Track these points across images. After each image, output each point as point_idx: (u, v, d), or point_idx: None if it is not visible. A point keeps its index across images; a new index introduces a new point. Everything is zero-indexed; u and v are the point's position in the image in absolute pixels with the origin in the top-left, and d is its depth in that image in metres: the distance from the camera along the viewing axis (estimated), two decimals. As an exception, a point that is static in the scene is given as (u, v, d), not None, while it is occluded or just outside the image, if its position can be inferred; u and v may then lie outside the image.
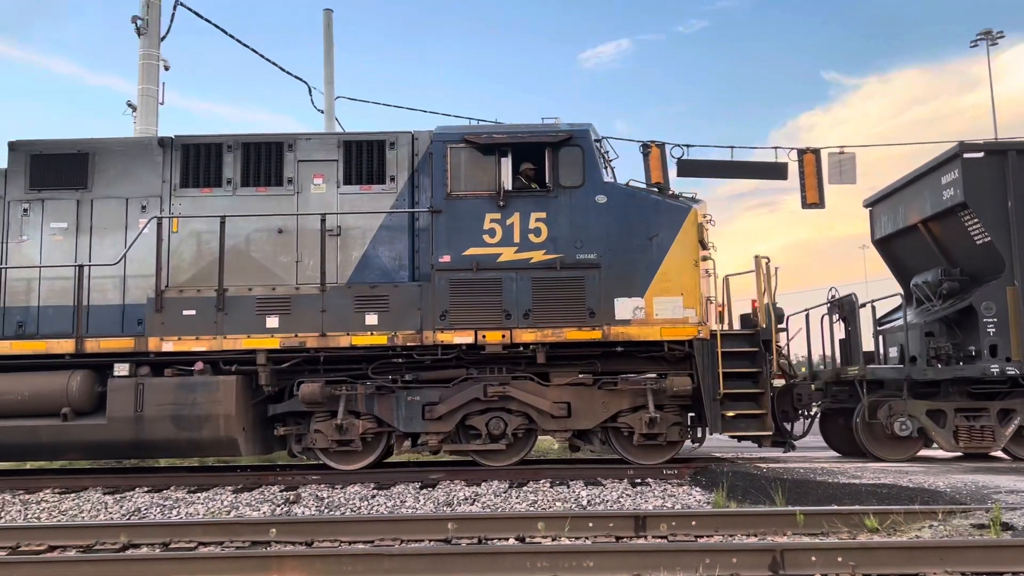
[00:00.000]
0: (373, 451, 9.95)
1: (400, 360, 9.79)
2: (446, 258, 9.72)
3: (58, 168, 10.27)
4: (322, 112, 19.33)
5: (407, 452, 10.35)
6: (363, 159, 10.15)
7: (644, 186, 10.54)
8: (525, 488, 8.64)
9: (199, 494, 8.73)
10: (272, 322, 9.71)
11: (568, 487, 8.69)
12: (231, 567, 5.01)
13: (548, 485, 8.83)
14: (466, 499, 8.17)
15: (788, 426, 10.42)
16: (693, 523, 6.27)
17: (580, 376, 9.83)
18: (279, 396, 9.99)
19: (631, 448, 9.90)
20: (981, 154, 9.91)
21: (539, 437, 10.25)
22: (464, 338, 9.60)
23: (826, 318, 11.12)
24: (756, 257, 10.30)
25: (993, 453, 10.05)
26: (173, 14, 14.98)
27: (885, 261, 12.07)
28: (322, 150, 10.22)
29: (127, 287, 9.99)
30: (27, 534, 6.34)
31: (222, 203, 10.08)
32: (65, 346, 9.70)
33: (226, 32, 17.30)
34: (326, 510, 8.03)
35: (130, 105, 15.12)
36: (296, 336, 9.66)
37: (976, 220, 9.79)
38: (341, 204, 10.06)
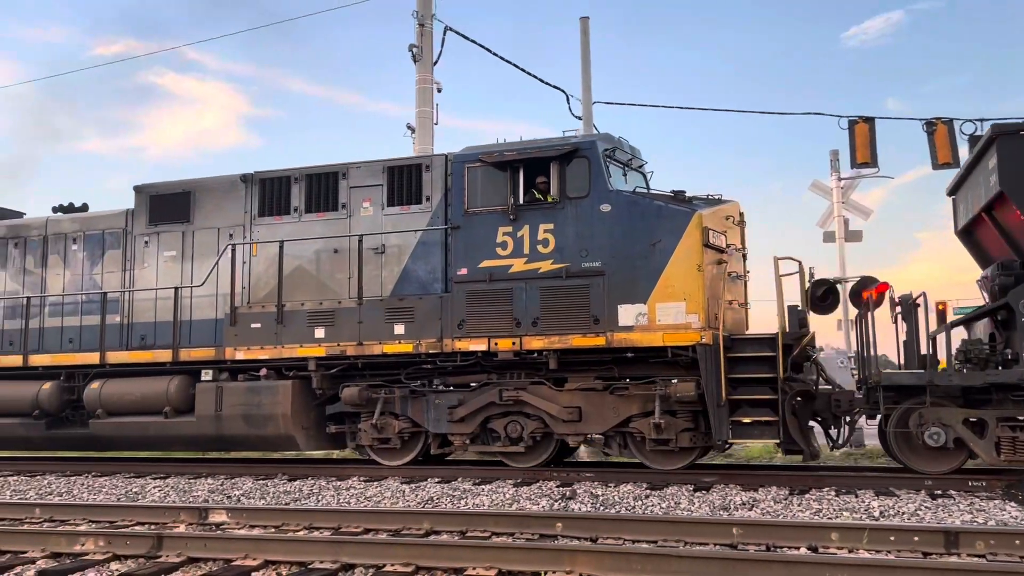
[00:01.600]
0: (412, 449, 10.89)
1: (428, 366, 10.64)
2: (463, 271, 10.43)
3: (169, 206, 12.29)
4: (580, 119, 19.16)
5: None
6: (403, 182, 11.11)
7: (655, 192, 10.50)
8: (807, 496, 8.25)
9: (483, 486, 9.10)
10: (319, 333, 10.99)
11: (856, 496, 8.15)
12: (525, 558, 5.13)
13: (833, 493, 8.36)
14: (743, 504, 7.90)
15: (832, 433, 9.98)
16: (1017, 542, 5.55)
17: (594, 381, 10.09)
18: (336, 398, 11.23)
19: (648, 453, 9.99)
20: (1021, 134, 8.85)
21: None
22: (479, 345, 10.26)
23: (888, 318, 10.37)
24: (775, 259, 9.95)
25: None
26: (443, 39, 15.96)
27: (972, 256, 10.96)
28: (370, 176, 11.32)
29: (217, 304, 11.72)
30: (347, 517, 6.92)
31: (289, 229, 11.51)
32: (165, 355, 11.65)
33: (489, 50, 17.69)
34: (601, 507, 8.07)
35: (409, 127, 16.27)
36: (338, 345, 10.85)
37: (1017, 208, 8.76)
38: (385, 224, 11.09)
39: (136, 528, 6.91)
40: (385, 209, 11.15)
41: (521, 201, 10.32)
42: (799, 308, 9.93)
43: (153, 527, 6.96)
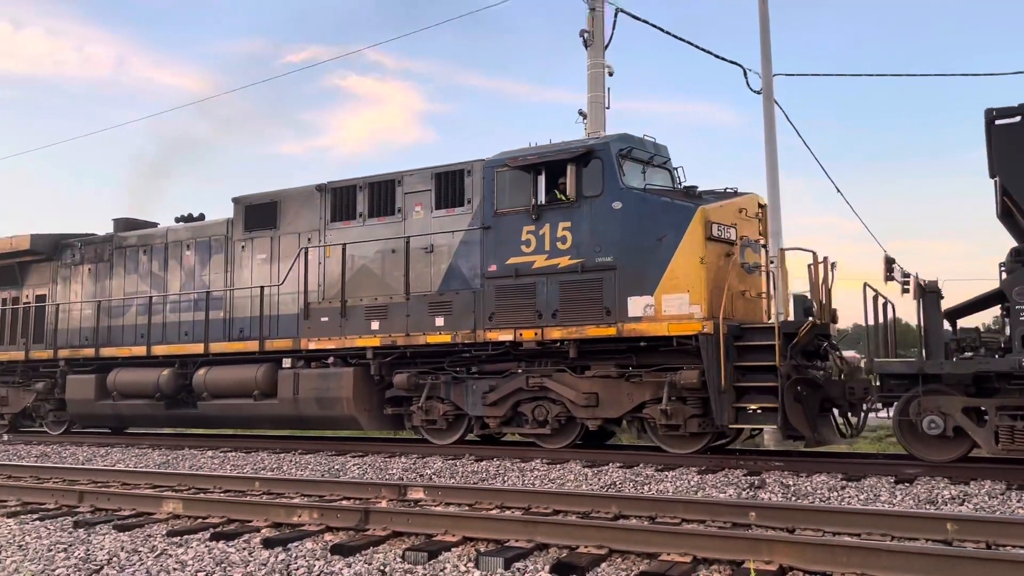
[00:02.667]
0: (457, 430, 11.94)
1: (466, 355, 11.65)
2: (493, 267, 11.34)
3: (260, 214, 13.97)
4: (758, 93, 18.14)
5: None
6: (448, 186, 12.14)
7: (666, 188, 10.92)
8: (1026, 491, 7.59)
9: (666, 472, 8.99)
10: (375, 325, 12.26)
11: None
12: (721, 546, 4.95)
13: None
14: (953, 498, 7.38)
15: (846, 419, 10.14)
16: None
17: (611, 369, 10.72)
18: (392, 384, 12.44)
19: (662, 438, 10.53)
20: (1017, 118, 8.61)
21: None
22: (507, 336, 11.15)
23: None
24: (780, 250, 10.15)
25: None
26: (614, 22, 15.97)
27: (1015, 239, 10.58)
28: (421, 183, 12.44)
29: (298, 301, 13.26)
30: (537, 498, 6.96)
31: (355, 232, 12.85)
32: (254, 346, 13.34)
33: (661, 29, 17.34)
34: (793, 497, 7.75)
35: (581, 113, 16.38)
36: (390, 336, 12.07)
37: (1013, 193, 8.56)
38: (433, 226, 12.17)
39: (343, 503, 7.18)
40: (433, 212, 12.22)
41: (543, 201, 11.08)
42: (806, 297, 10.10)
43: (358, 502, 7.26)
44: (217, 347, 13.79)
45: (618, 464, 9.51)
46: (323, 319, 12.73)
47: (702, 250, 10.06)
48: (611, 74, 16.03)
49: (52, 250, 16.56)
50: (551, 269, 10.93)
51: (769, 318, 10.95)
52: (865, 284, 9.75)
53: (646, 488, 8.30)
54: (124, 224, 16.39)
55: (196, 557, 5.35)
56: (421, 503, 7.22)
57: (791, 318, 10.44)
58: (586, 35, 15.80)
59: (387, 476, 9.57)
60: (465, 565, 4.98)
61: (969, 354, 9.08)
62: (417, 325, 11.88)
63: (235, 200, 14.30)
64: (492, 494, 7.22)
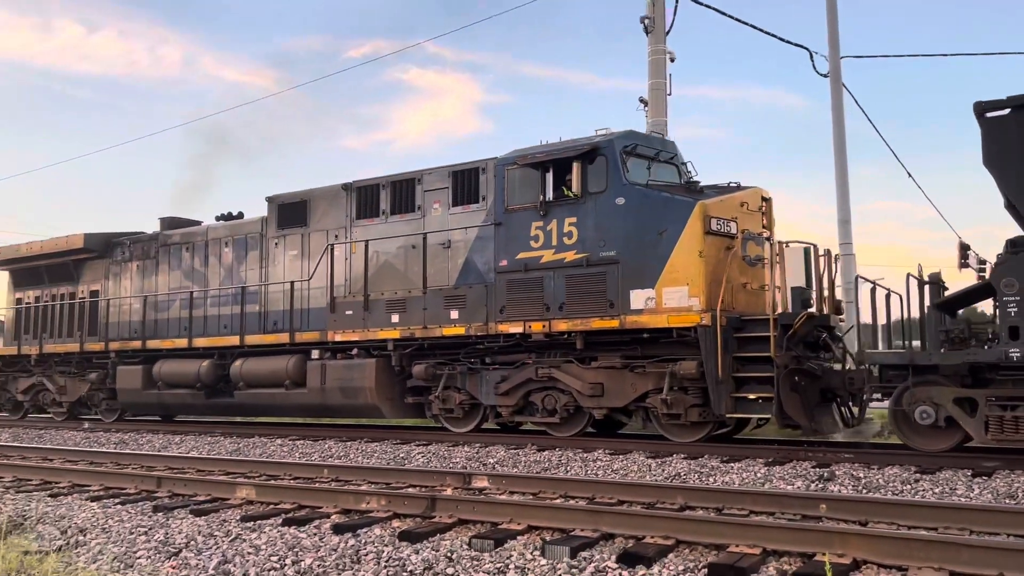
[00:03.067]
0: (474, 419, 12.41)
1: (480, 347, 12.10)
2: (504, 262, 11.76)
3: (291, 212, 14.64)
4: (825, 76, 17.57)
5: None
6: (464, 184, 12.58)
7: (668, 183, 11.17)
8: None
9: (732, 464, 8.91)
10: (395, 318, 12.80)
11: None
12: (792, 538, 4.86)
13: None
14: None
15: (848, 409, 10.30)
16: None
17: (616, 360, 11.05)
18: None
19: (666, 427, 10.82)
20: (1006, 110, 8.65)
21: None
22: (516, 328, 11.56)
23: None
24: (779, 243, 10.33)
25: None
26: (676, 7, 15.76)
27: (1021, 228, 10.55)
28: (439, 181, 12.91)
29: (326, 295, 13.88)
30: (601, 488, 6.95)
31: (378, 229, 13.41)
32: (285, 338, 14.01)
33: (724, 13, 16.98)
34: (864, 490, 7.53)
35: (642, 101, 16.21)
36: (409, 328, 12.59)
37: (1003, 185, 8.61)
38: (450, 222, 12.63)
39: (409, 490, 7.26)
40: (451, 209, 12.68)
41: (550, 197, 11.45)
42: (804, 289, 10.28)
43: (424, 489, 7.35)
44: (252, 339, 14.51)
45: (683, 455, 9.52)
46: (348, 312, 13.32)
47: (701, 244, 10.31)
48: (672, 60, 15.94)
49: (104, 248, 17.54)
50: (558, 263, 11.30)
51: (777, 309, 11.12)
52: (857, 276, 9.89)
53: (711, 479, 8.20)
54: (169, 223, 17.27)
55: (269, 542, 5.49)
56: (486, 491, 7.25)
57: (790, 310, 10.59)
58: (647, 21, 15.73)
59: (451, 465, 9.66)
60: (531, 553, 4.98)
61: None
62: (434, 318, 12.38)
63: (268, 199, 15.00)
64: (556, 483, 7.23)
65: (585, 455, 9.83)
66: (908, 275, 9.37)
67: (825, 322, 10.45)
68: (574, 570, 4.63)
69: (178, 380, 15.30)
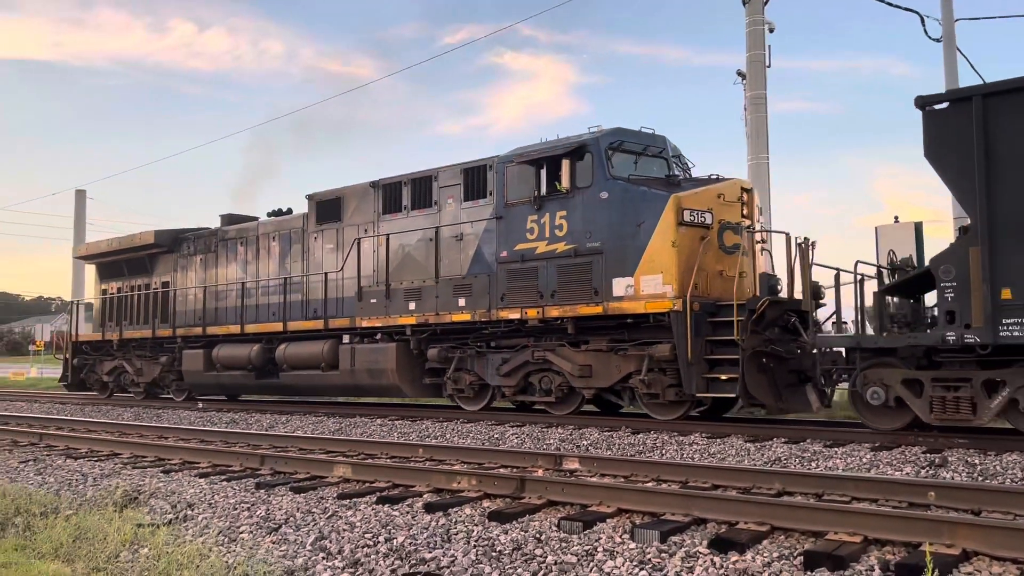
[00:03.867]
0: (483, 398, 13.42)
1: (486, 332, 13.07)
2: (504, 253, 12.69)
3: (328, 208, 15.91)
4: (938, 41, 17.13)
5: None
6: (474, 180, 13.54)
7: (649, 177, 11.82)
8: None
9: (836, 449, 8.68)
10: (412, 306, 13.90)
11: None
12: (896, 526, 4.63)
13: None
14: None
15: (821, 390, 10.83)
16: None
17: (604, 343, 11.84)
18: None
19: (648, 405, 11.57)
20: (946, 104, 8.98)
21: None
22: (514, 314, 12.48)
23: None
24: (746, 231, 10.89)
25: (976, 425, 9.03)
26: None
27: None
28: (452, 178, 13.91)
29: (355, 284, 15.10)
30: (694, 472, 6.79)
31: (400, 223, 14.52)
32: (320, 325, 15.32)
33: None
34: (980, 477, 7.27)
35: (740, 74, 16.41)
36: (423, 315, 13.68)
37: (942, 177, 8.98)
38: (461, 216, 13.63)
39: (501, 471, 7.27)
40: (462, 204, 13.68)
41: (544, 192, 12.30)
42: (771, 275, 10.82)
43: (515, 470, 7.35)
44: (293, 326, 15.90)
45: (783, 439, 9.31)
46: (372, 300, 14.52)
47: (674, 235, 10.99)
48: (772, 31, 15.67)
49: (172, 243, 19.30)
50: (550, 254, 12.15)
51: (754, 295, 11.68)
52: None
53: (813, 464, 7.96)
54: (228, 219, 18.88)
55: (363, 519, 5.61)
56: (576, 473, 7.25)
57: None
58: (745, -9, 15.14)
59: (544, 446, 9.73)
60: (620, 537, 4.93)
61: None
62: (445, 305, 13.42)
63: (308, 197, 16.32)
64: (647, 466, 7.13)
65: (681, 438, 9.73)
66: (856, 262, 9.82)
67: (796, 307, 10.96)
68: (664, 555, 4.53)
69: (233, 363, 16.86)
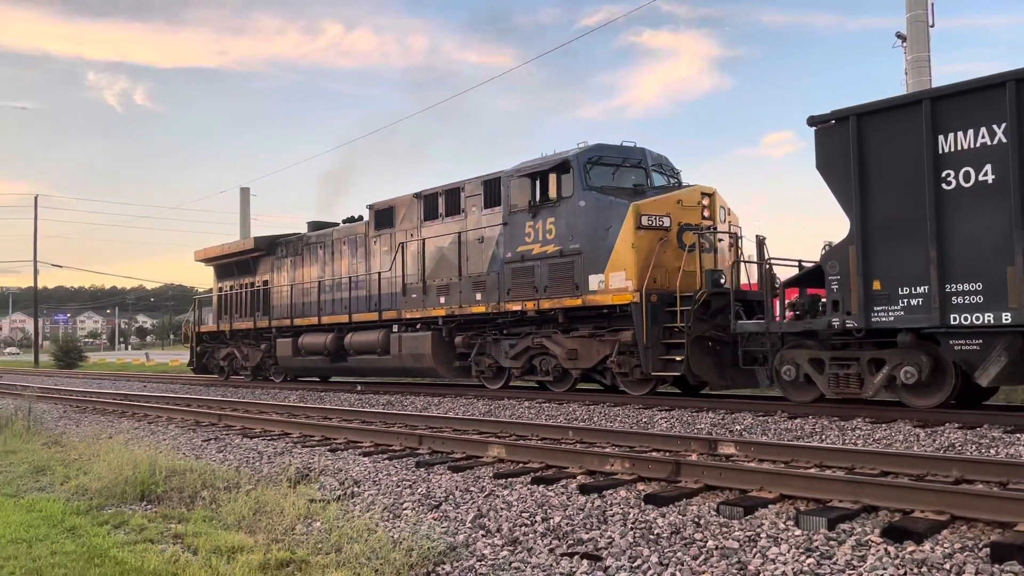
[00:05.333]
0: (502, 378, 15.66)
1: (498, 321, 15.29)
2: (509, 254, 14.85)
3: (384, 216, 18.51)
4: None
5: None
6: (491, 191, 15.75)
7: (616, 187, 13.63)
8: None
9: (1018, 435, 8.22)
10: (442, 300, 16.30)
11: None
12: None
13: None
14: None
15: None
16: None
17: (589, 330, 13.82)
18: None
19: (623, 383, 13.47)
20: (832, 122, 10.38)
21: None
22: (517, 307, 14.64)
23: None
24: (688, 232, 12.59)
25: (866, 398, 10.41)
26: None
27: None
28: (475, 189, 16.14)
29: (401, 282, 17.63)
30: (860, 458, 6.51)
31: (436, 229, 16.92)
32: (375, 316, 17.99)
33: None
34: None
35: (899, 36, 16.05)
36: (451, 308, 16.05)
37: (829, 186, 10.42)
38: (482, 222, 15.88)
39: (653, 454, 7.24)
40: (483, 211, 15.91)
41: (537, 201, 14.36)
42: (716, 270, 12.48)
43: (668, 454, 7.27)
44: (357, 317, 18.66)
45: (956, 425, 8.96)
46: (413, 295, 17.02)
47: (633, 237, 12.83)
48: None
49: (269, 247, 22.54)
50: (543, 255, 14.23)
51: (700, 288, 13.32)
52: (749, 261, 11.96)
53: (992, 451, 7.56)
54: (313, 226, 21.89)
55: (520, 499, 5.75)
56: (732, 458, 7.10)
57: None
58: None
59: (695, 431, 9.62)
60: (784, 523, 4.81)
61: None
62: (466, 299, 15.74)
63: (369, 206, 19.00)
64: (810, 452, 6.92)
65: (843, 423, 9.47)
66: (769, 261, 11.39)
67: (743, 296, 12.55)
68: (832, 542, 4.38)
69: (313, 349, 19.83)
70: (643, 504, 5.48)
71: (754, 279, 13.38)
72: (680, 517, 5.08)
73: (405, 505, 5.82)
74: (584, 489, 5.95)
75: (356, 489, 6.43)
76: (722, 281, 12.56)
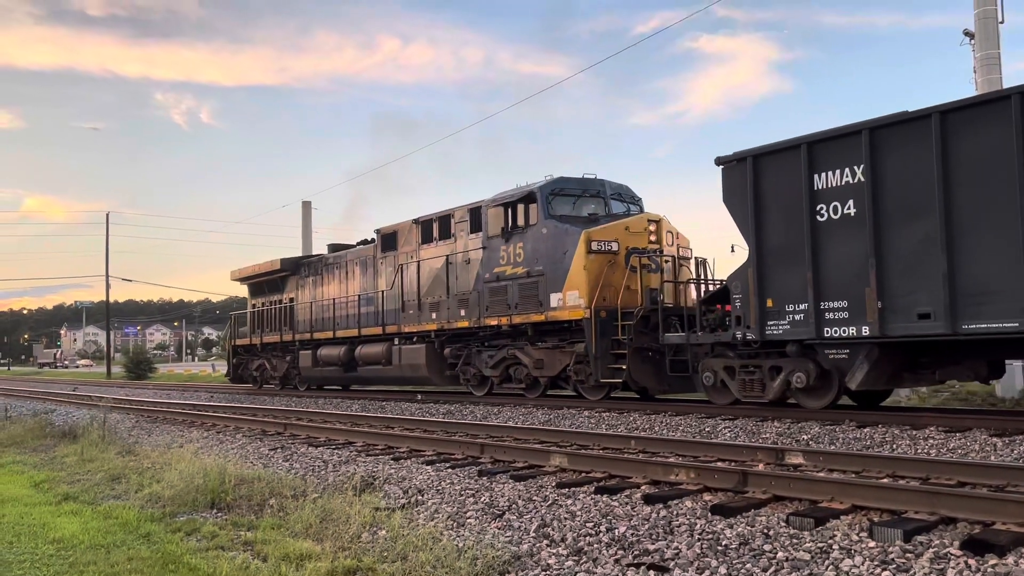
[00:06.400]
0: (486, 386, 17.45)
1: (480, 334, 17.09)
2: (487, 275, 16.66)
3: (389, 240, 20.43)
4: None
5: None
6: (475, 218, 17.58)
7: (574, 216, 15.32)
8: None
9: None
10: (434, 315, 18.18)
11: None
12: None
13: None
14: None
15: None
16: None
17: (554, 343, 15.53)
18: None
19: (583, 389, 15.14)
20: (734, 162, 11.93)
21: None
22: (494, 322, 16.43)
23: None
24: (635, 255, 14.22)
25: (766, 401, 11.89)
26: None
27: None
28: (463, 216, 17.96)
29: (401, 299, 19.56)
30: (937, 468, 6.41)
31: (431, 251, 18.80)
32: (379, 330, 19.95)
33: None
34: None
35: (967, 33, 15.77)
36: (440, 323, 17.91)
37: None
38: (469, 246, 17.73)
39: (718, 464, 7.12)
40: (468, 236, 17.76)
41: (509, 228, 16.14)
42: (655, 290, 14.10)
43: (734, 464, 7.18)
44: (365, 331, 20.67)
45: None
46: (411, 312, 18.95)
47: (585, 260, 14.54)
48: None
49: (294, 268, 24.72)
50: (514, 276, 16.01)
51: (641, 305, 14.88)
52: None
53: None
54: (332, 248, 24.03)
55: (583, 508, 5.70)
56: (801, 468, 6.99)
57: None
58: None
59: (760, 440, 9.46)
60: (857, 534, 4.72)
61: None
62: (454, 315, 17.60)
63: (376, 231, 21.00)
64: (882, 462, 6.80)
65: (914, 432, 9.25)
66: (689, 280, 12.98)
67: (679, 312, 14.12)
68: (909, 555, 4.29)
69: (329, 360, 21.89)
70: (710, 514, 5.41)
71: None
72: (748, 528, 5.00)
73: (468, 514, 5.83)
74: (649, 499, 5.91)
75: (420, 497, 6.47)
76: (659, 298, 14.16)
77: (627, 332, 13.92)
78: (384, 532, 5.34)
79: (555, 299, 15.11)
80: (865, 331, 10.39)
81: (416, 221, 19.42)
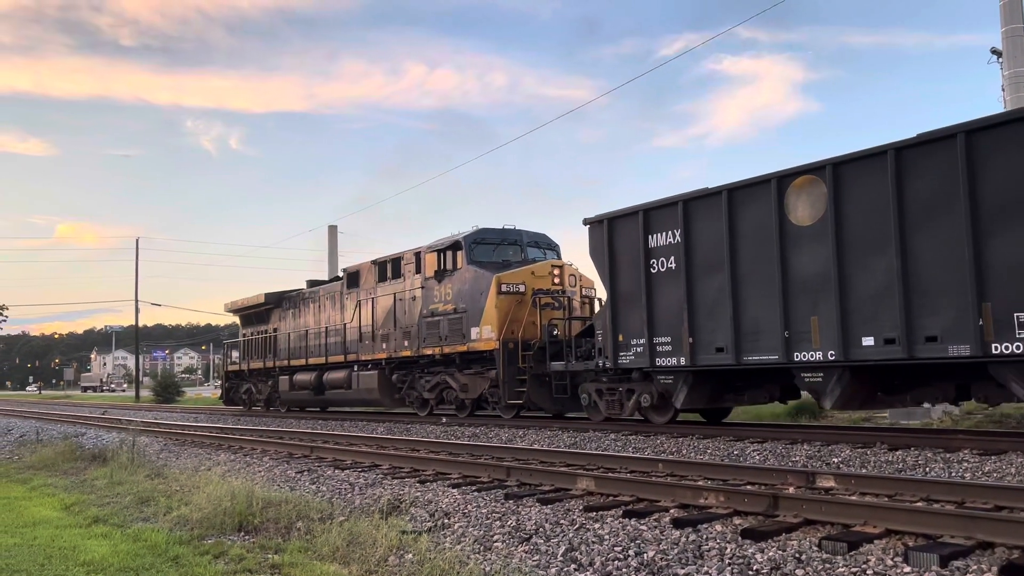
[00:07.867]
0: (426, 408, 20.10)
1: (421, 362, 19.79)
2: (426, 311, 19.39)
3: (353, 279, 23.27)
4: None
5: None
6: (418, 260, 20.35)
7: (489, 262, 18.04)
8: None
9: None
10: (384, 346, 20.92)
11: None
12: None
13: None
14: None
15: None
16: None
17: (477, 370, 18.18)
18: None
19: (498, 408, 17.75)
20: (596, 223, 14.59)
21: None
22: (430, 351, 19.13)
23: None
24: (538, 295, 16.89)
25: (624, 417, 14.42)
26: None
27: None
28: (410, 259, 20.72)
29: (359, 331, 22.31)
30: (972, 491, 6.31)
31: (384, 289, 21.57)
32: (342, 358, 22.72)
33: None
34: None
35: (994, 52, 15.90)
36: (389, 352, 20.65)
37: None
38: (414, 284, 20.47)
39: (748, 487, 6.99)
40: (413, 276, 20.52)
41: (442, 271, 18.89)
42: (552, 324, 16.75)
43: (763, 487, 7.05)
44: (332, 359, 23.45)
45: None
46: (367, 342, 21.71)
47: (496, 300, 17.23)
48: None
49: (277, 301, 27.60)
50: (445, 313, 18.73)
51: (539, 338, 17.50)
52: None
53: None
54: (310, 283, 26.91)
55: (611, 532, 5.62)
56: (832, 492, 6.91)
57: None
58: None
59: (790, 463, 9.35)
60: (892, 559, 4.64)
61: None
62: (399, 346, 20.33)
63: (343, 270, 23.86)
64: (915, 485, 6.73)
65: (947, 455, 9.15)
66: (578, 317, 15.61)
67: (570, 343, 16.71)
68: None
69: (303, 385, 24.67)
70: (740, 539, 5.32)
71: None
72: (780, 552, 4.94)
73: (495, 537, 5.78)
74: (678, 523, 5.82)
75: (446, 521, 6.41)
76: (555, 332, 16.80)
77: (527, 361, 16.57)
78: (411, 556, 5.30)
79: (475, 332, 17.79)
80: (682, 361, 12.98)
81: (374, 262, 22.22)
